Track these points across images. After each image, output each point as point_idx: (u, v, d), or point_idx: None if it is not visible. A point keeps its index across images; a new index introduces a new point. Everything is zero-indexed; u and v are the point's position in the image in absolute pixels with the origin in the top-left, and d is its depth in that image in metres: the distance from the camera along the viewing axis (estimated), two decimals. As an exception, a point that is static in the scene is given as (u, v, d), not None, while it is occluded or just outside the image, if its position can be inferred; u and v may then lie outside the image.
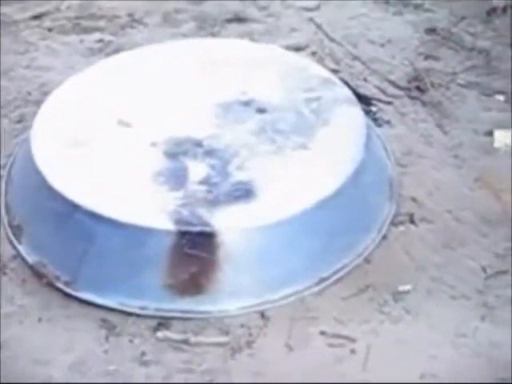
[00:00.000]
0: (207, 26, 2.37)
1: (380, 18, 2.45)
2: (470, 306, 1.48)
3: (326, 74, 1.85)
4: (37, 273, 1.51)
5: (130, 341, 1.40)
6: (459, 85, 2.08)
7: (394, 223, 1.62)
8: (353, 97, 1.77)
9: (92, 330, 1.42)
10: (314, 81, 1.79)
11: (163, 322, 1.43)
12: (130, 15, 2.42)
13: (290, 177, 1.52)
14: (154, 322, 1.43)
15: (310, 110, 1.69)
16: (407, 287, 1.50)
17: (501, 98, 2.00)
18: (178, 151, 1.57)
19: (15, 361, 1.39)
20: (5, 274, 1.53)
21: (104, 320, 1.44)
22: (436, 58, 2.20)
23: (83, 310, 1.45)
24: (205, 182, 1.50)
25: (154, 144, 1.60)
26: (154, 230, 1.41)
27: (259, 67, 1.82)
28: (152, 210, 1.44)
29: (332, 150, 1.59)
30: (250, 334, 1.41)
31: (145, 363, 1.37)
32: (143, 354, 1.38)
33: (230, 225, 1.43)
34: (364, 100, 1.94)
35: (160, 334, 1.40)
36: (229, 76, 1.80)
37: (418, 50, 2.24)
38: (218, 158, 1.55)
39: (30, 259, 1.52)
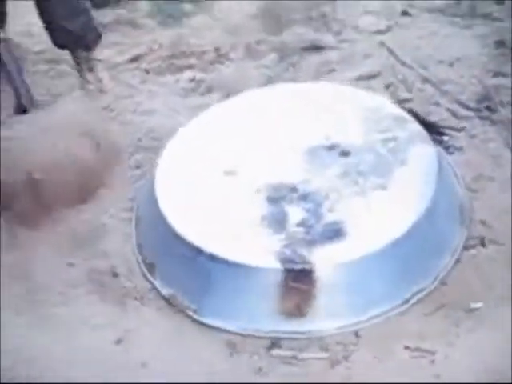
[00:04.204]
0: (287, 57, 2.59)
1: (449, 34, 2.56)
2: (537, 320, 1.65)
3: (398, 111, 2.07)
4: (170, 303, 1.82)
5: (250, 357, 1.70)
6: (528, 101, 2.16)
7: (465, 247, 1.83)
8: (425, 133, 1.99)
9: (218, 349, 1.72)
10: (388, 120, 2.02)
11: (275, 342, 1.72)
12: (217, 50, 2.65)
13: (372, 215, 1.79)
14: (267, 342, 1.72)
15: (387, 150, 1.93)
16: (479, 304, 1.71)
17: None
18: (278, 196, 1.85)
19: (155, 373, 1.67)
20: (143, 304, 1.84)
21: (227, 340, 1.73)
22: (504, 75, 2.28)
23: (210, 333, 1.75)
24: (302, 224, 1.78)
25: (258, 190, 1.88)
26: (264, 269, 1.72)
27: (339, 110, 2.07)
28: (260, 251, 1.74)
29: (407, 189, 1.84)
30: (346, 350, 1.68)
31: (262, 375, 1.67)
32: (260, 368, 1.68)
33: (325, 261, 1.72)
34: (436, 130, 2.10)
35: (274, 352, 1.70)
36: (313, 120, 2.05)
37: (486, 67, 2.33)
38: (311, 201, 1.82)
39: (164, 291, 1.84)
